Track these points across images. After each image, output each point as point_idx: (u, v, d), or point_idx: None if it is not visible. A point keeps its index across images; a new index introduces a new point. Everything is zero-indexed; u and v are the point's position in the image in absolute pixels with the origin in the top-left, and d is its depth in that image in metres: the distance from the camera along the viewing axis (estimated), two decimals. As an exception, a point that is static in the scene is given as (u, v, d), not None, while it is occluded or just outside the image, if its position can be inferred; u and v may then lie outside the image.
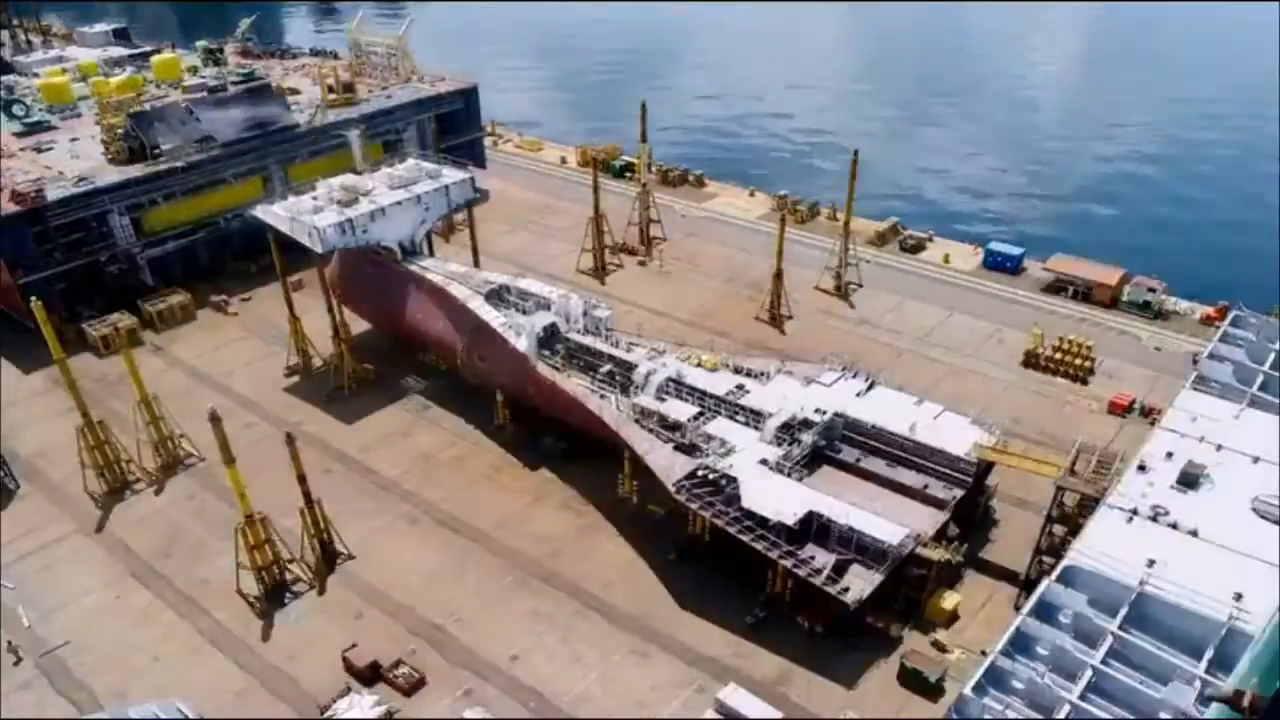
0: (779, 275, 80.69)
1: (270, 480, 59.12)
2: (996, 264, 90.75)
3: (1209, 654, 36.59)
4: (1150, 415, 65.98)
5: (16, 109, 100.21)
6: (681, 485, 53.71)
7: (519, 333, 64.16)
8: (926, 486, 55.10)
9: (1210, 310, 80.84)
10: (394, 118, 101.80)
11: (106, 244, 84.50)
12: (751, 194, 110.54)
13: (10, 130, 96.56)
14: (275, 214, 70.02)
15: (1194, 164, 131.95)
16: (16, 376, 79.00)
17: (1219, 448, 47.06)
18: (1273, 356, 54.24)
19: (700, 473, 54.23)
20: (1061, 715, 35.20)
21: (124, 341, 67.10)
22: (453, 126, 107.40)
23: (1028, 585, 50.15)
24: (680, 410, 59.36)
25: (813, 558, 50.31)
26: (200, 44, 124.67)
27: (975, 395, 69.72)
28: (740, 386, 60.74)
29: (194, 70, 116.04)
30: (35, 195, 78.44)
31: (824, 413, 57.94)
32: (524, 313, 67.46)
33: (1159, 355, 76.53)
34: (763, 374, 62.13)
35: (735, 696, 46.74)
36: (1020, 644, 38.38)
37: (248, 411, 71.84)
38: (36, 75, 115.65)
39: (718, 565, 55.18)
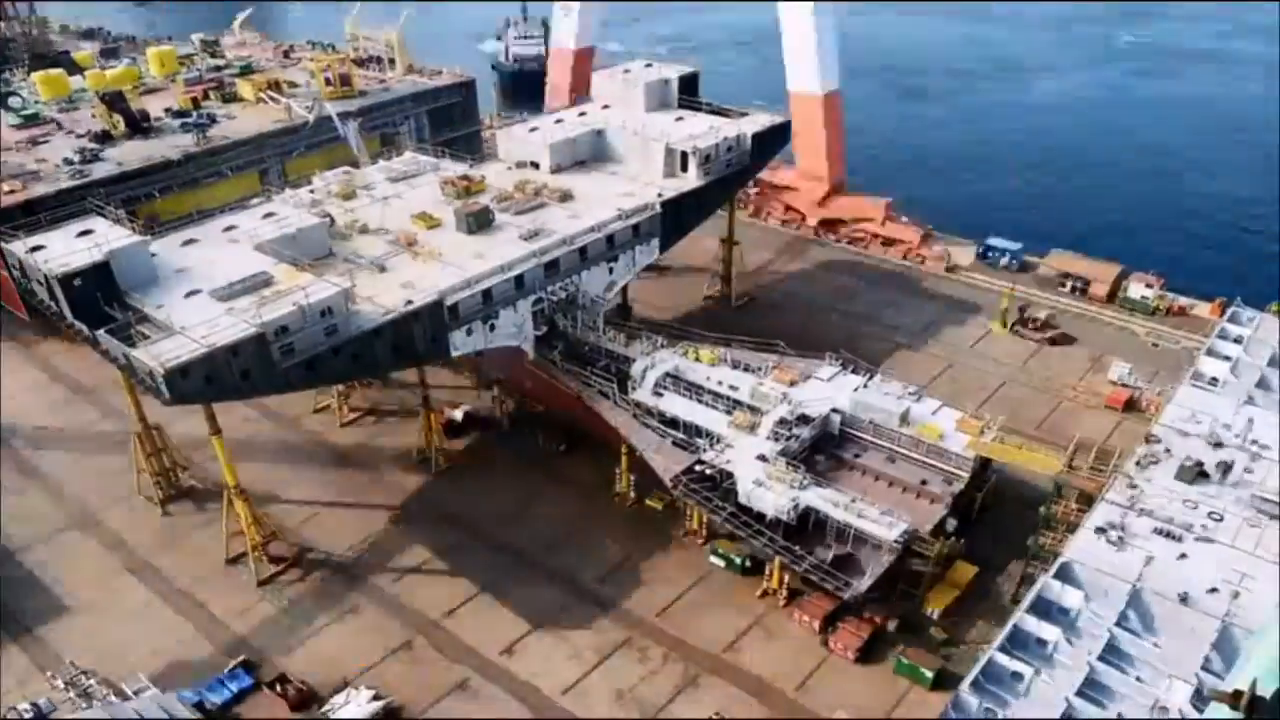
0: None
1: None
2: (995, 259, 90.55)
3: (1206, 651, 36.61)
4: (1148, 411, 65.97)
5: (14, 102, 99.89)
6: (679, 480, 53.68)
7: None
8: (924, 482, 55.06)
9: (1209, 306, 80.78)
10: (391, 111, 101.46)
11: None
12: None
13: (8, 123, 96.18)
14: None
15: (1193, 161, 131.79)
16: (14, 371, 78.94)
17: (1217, 444, 47.04)
18: (1271, 352, 54.20)
19: (698, 468, 54.18)
20: (1058, 713, 35.22)
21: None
22: (451, 120, 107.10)
23: (1025, 581, 50.14)
24: (678, 406, 59.34)
25: (811, 553, 50.33)
26: (196, 36, 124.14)
27: (973, 390, 69.76)
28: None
29: (189, 61, 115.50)
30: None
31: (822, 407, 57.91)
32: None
33: (1157, 351, 76.49)
34: (760, 369, 61.99)
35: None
36: (1017, 640, 38.40)
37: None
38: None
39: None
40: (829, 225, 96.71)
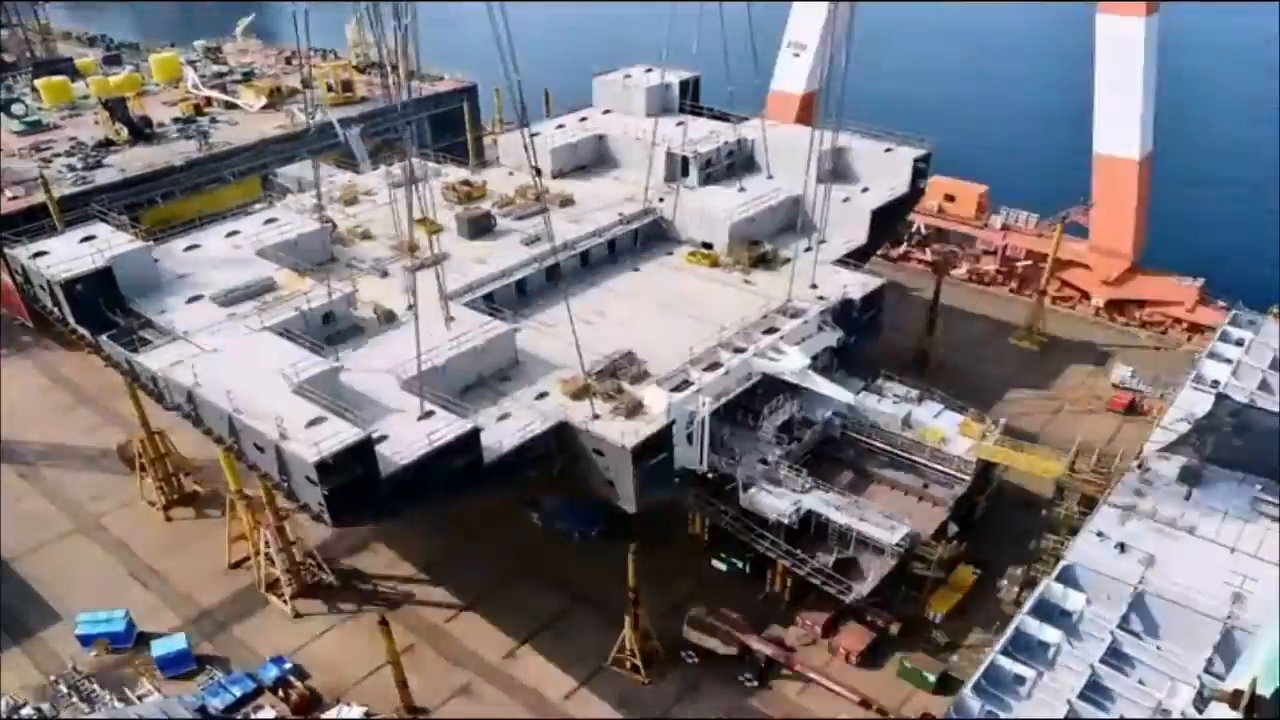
0: None
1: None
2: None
3: (1208, 653, 36.64)
4: (1149, 414, 65.93)
5: (16, 108, 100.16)
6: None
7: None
8: (926, 485, 55.08)
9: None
10: (393, 117, 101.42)
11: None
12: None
13: (10, 129, 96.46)
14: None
15: (1193, 160, 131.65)
16: (15, 375, 79.05)
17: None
18: (1272, 355, 54.24)
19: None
20: (1061, 715, 35.25)
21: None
22: (453, 125, 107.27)
23: (1028, 584, 50.15)
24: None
25: (813, 557, 50.33)
26: (199, 42, 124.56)
27: (975, 393, 69.64)
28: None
29: (192, 67, 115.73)
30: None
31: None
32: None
33: (1158, 353, 76.45)
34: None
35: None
36: (1020, 643, 38.43)
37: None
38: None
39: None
40: (1119, 306, 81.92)
